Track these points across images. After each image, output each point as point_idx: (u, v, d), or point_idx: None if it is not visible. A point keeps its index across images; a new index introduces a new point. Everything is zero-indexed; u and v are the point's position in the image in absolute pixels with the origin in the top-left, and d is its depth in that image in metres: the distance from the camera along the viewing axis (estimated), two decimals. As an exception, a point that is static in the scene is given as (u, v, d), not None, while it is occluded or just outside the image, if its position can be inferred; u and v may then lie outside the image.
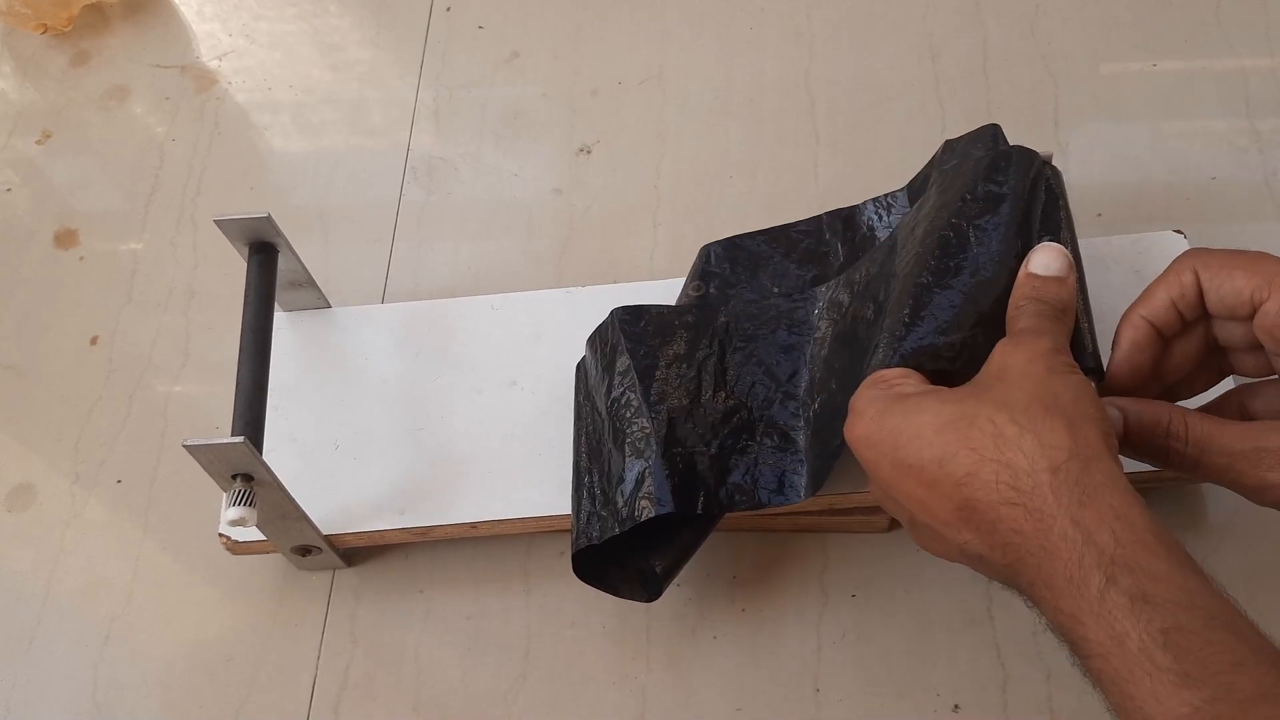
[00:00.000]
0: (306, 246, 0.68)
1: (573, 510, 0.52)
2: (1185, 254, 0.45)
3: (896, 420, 0.42)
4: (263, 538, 0.54)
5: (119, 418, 0.63)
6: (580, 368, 0.56)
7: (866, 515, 0.55)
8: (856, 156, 0.68)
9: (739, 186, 0.68)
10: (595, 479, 0.52)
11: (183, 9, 0.79)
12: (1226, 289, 0.44)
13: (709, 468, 0.51)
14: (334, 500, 0.55)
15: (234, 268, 0.68)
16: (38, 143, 0.74)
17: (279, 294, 0.58)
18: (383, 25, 0.77)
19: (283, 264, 0.57)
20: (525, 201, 0.69)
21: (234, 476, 0.49)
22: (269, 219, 0.54)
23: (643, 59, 0.73)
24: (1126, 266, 0.58)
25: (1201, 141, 0.67)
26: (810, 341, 0.54)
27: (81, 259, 0.69)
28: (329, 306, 0.62)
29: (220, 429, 0.63)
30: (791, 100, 0.71)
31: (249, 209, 0.54)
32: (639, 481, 0.50)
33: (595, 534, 0.50)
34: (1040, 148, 0.66)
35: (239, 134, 0.73)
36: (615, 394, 0.53)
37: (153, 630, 0.58)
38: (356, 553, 0.58)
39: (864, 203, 0.58)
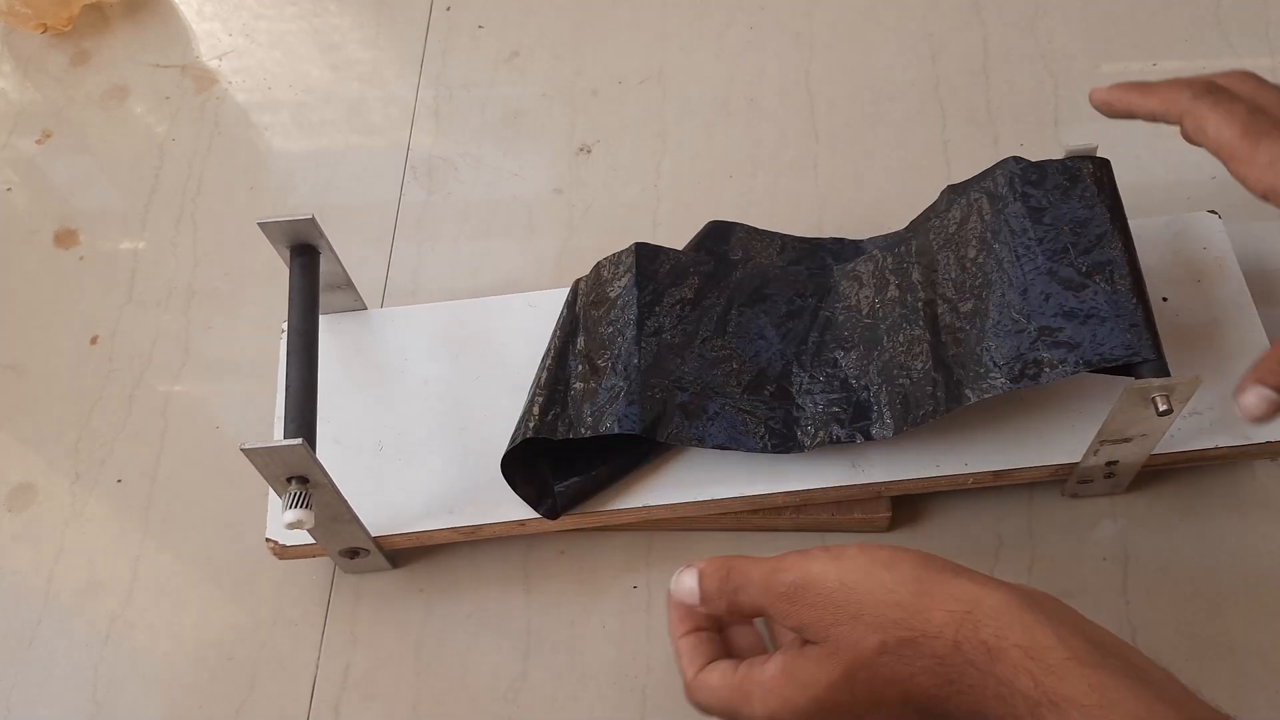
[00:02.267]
0: (306, 246, 0.68)
1: (528, 404, 0.54)
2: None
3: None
4: (310, 541, 0.54)
5: (119, 418, 0.63)
6: (578, 285, 0.58)
7: (867, 515, 0.56)
8: (856, 156, 0.68)
9: (739, 186, 0.68)
10: (573, 384, 0.54)
11: (183, 9, 0.79)
12: None
13: (683, 404, 0.52)
14: (380, 502, 0.55)
15: (234, 267, 0.68)
16: (38, 142, 0.74)
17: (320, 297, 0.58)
18: (383, 25, 0.77)
19: (322, 266, 0.56)
20: (525, 201, 0.69)
21: (289, 479, 0.48)
22: (313, 220, 0.54)
23: (643, 59, 0.73)
24: (1164, 248, 0.59)
25: (1201, 141, 0.67)
26: (826, 308, 0.56)
27: (81, 259, 0.69)
28: (365, 308, 0.61)
29: (220, 429, 0.63)
30: (791, 100, 0.71)
31: (293, 211, 0.54)
32: (612, 397, 0.52)
33: (560, 430, 0.52)
34: (1041, 148, 0.66)
35: (239, 134, 0.73)
36: (614, 316, 0.55)
37: (153, 630, 0.58)
38: (399, 554, 0.57)
39: (865, 239, 0.60)
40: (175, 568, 0.59)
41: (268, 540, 0.55)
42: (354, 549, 0.54)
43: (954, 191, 0.56)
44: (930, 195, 0.57)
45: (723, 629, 0.47)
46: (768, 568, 0.43)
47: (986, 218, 0.52)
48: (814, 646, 0.41)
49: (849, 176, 0.67)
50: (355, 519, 0.52)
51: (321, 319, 0.60)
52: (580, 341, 0.55)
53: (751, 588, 0.43)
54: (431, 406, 0.58)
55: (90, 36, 0.78)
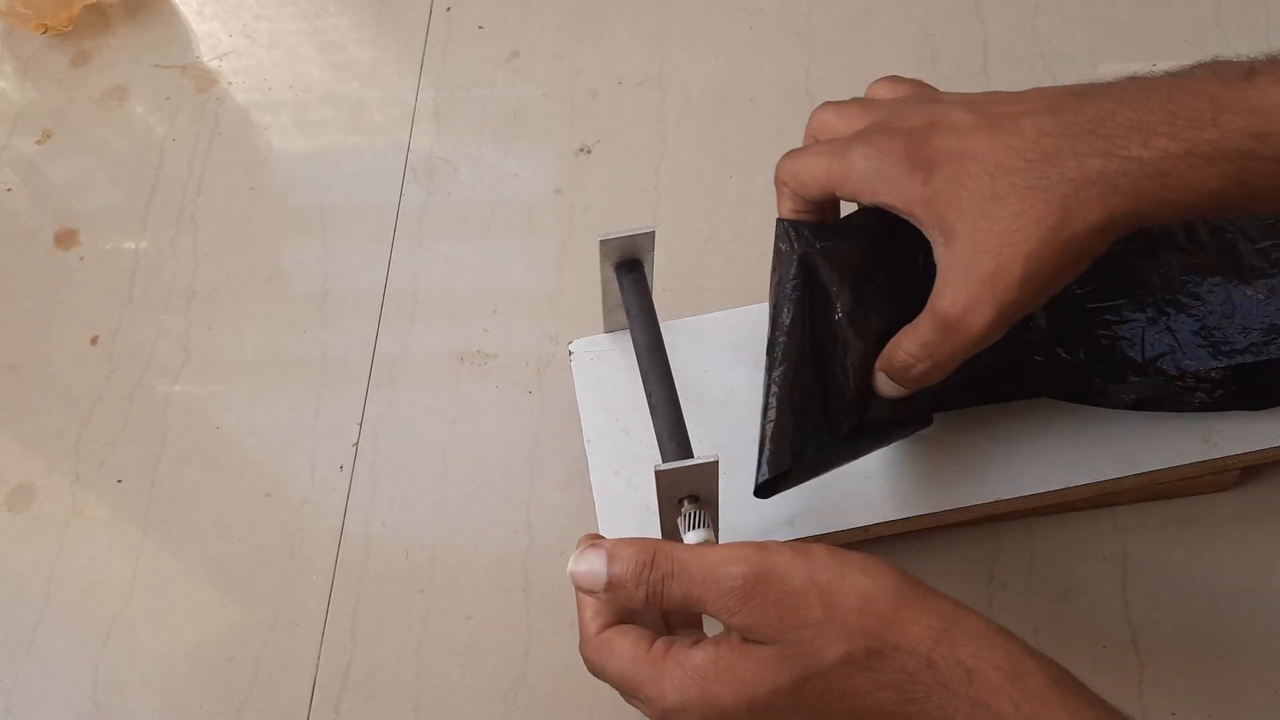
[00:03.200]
0: (306, 246, 0.68)
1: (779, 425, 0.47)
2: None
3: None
4: None
5: (119, 418, 0.63)
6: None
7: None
8: (856, 156, 0.68)
9: (739, 186, 0.68)
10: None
11: (183, 9, 0.79)
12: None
13: None
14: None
15: (234, 267, 0.68)
16: (38, 143, 0.74)
17: (606, 315, 0.56)
18: (383, 25, 0.77)
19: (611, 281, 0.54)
20: (525, 201, 0.69)
21: (681, 500, 0.45)
22: (652, 234, 0.51)
23: (643, 59, 0.73)
24: None
25: (1201, 141, 0.67)
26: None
27: (81, 259, 0.69)
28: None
29: (220, 429, 0.63)
30: (791, 100, 0.71)
31: (634, 225, 0.50)
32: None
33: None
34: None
35: (239, 134, 0.73)
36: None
37: (153, 630, 0.58)
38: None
39: None
40: (175, 568, 0.59)
41: None
42: None
43: None
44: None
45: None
46: (711, 559, 0.39)
47: None
48: (760, 647, 0.38)
49: (849, 176, 0.67)
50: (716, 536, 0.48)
51: (607, 339, 0.58)
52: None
53: (685, 577, 0.39)
54: (746, 416, 0.55)
55: (90, 37, 0.78)
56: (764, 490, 0.48)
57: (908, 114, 0.43)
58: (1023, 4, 0.72)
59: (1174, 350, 0.51)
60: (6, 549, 0.60)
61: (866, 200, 0.44)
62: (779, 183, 0.47)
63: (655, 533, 0.50)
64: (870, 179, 0.43)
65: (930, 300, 0.43)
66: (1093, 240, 0.40)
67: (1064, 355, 0.52)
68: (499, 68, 0.74)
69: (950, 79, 0.70)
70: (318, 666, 0.56)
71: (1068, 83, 0.68)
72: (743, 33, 0.74)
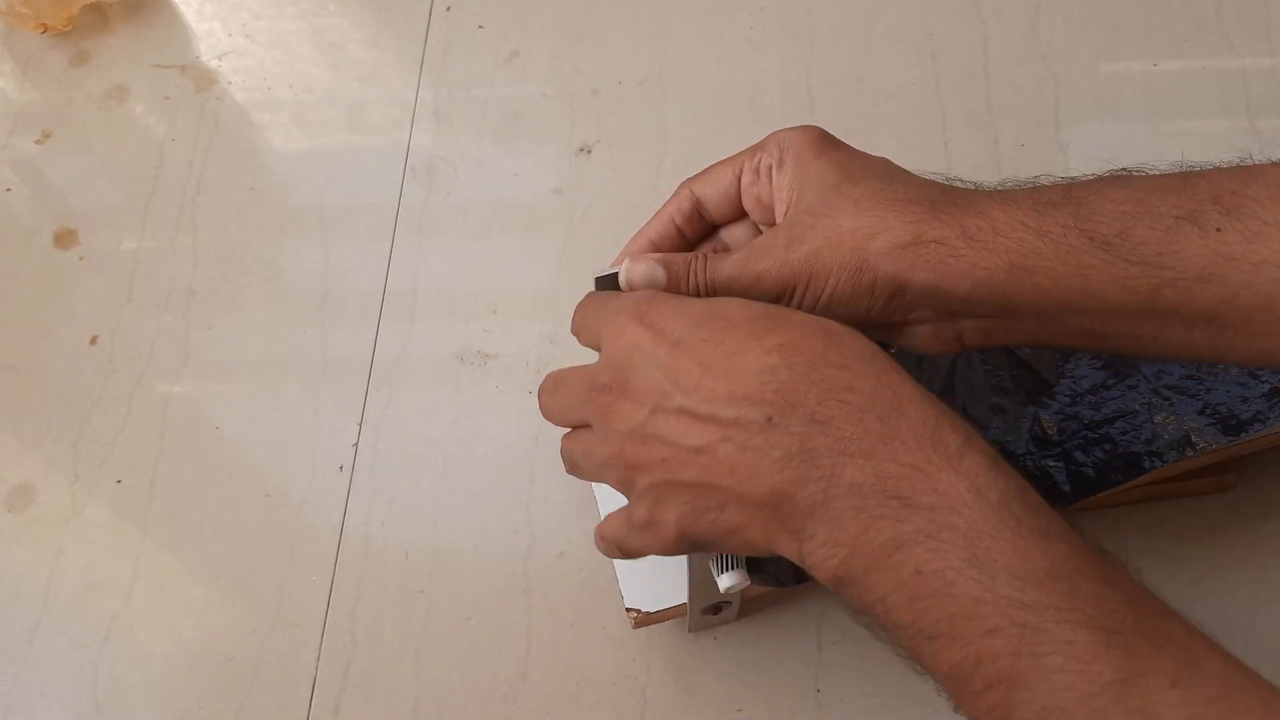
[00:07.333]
0: (306, 246, 0.68)
1: None
2: (684, 181, 0.49)
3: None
4: (665, 606, 0.51)
5: (119, 418, 0.63)
6: None
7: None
8: (857, 156, 0.68)
9: (739, 186, 0.68)
10: None
11: (183, 9, 0.79)
12: (717, 186, 0.47)
13: None
14: None
15: (234, 267, 0.68)
16: (37, 142, 0.74)
17: None
18: (383, 24, 0.77)
19: None
20: (525, 201, 0.69)
21: None
22: None
23: (643, 59, 0.73)
24: None
25: (1202, 141, 0.67)
26: None
27: (81, 259, 0.69)
28: None
29: (220, 429, 0.63)
30: (791, 100, 0.71)
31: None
32: None
33: None
34: (1041, 148, 0.66)
35: (239, 133, 0.73)
36: None
37: (153, 630, 0.58)
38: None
39: None
40: (175, 568, 0.59)
41: (628, 610, 0.52)
42: (718, 605, 0.52)
43: None
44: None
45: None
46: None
47: None
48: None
49: (849, 176, 0.67)
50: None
51: None
52: None
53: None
54: None
55: (90, 36, 0.78)
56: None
57: None
58: (1023, 4, 0.72)
59: (1187, 434, 0.51)
60: (6, 549, 0.60)
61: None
62: None
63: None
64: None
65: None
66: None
67: (1082, 459, 0.52)
68: (499, 68, 0.74)
69: (950, 79, 0.70)
70: (317, 667, 0.56)
71: (1068, 83, 0.69)
72: (743, 33, 0.74)
